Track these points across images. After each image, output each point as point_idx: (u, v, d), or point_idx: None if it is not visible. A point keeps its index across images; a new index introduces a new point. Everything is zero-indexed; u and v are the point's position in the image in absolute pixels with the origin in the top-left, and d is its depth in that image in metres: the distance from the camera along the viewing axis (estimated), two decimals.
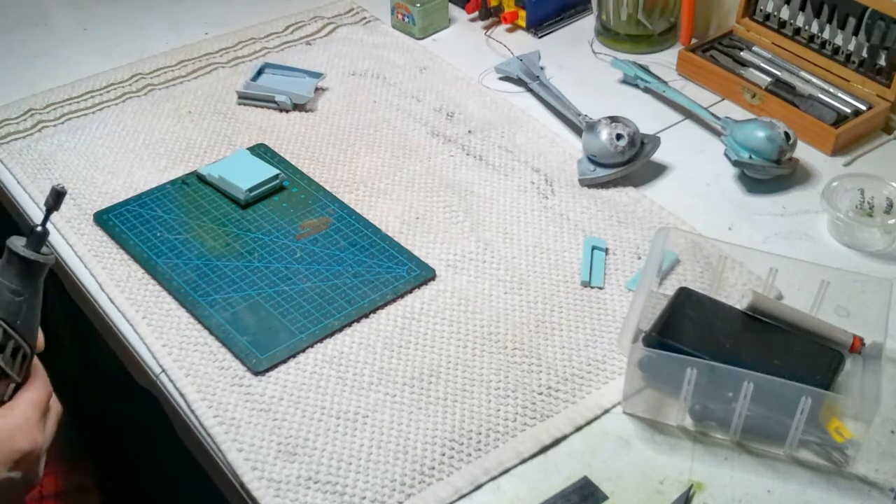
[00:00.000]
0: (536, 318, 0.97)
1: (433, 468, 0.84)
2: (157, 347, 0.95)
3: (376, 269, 1.02)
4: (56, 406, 0.74)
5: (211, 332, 0.96)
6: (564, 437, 0.86)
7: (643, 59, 1.36)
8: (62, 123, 1.26)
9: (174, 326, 0.97)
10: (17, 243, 0.70)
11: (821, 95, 1.23)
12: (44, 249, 0.71)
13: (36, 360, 0.74)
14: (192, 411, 0.89)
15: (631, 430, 0.87)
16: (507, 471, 0.84)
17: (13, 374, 0.70)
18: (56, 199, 0.72)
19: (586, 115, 1.22)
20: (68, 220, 1.10)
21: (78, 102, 1.30)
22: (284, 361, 0.93)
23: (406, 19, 1.44)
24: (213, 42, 1.43)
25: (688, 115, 1.26)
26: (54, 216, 1.11)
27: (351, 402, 0.89)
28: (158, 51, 1.41)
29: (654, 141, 1.16)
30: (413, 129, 1.25)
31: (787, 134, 1.12)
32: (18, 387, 0.71)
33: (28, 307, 0.71)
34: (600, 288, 1.01)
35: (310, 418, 0.88)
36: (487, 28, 1.47)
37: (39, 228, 0.71)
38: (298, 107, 1.29)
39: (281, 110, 1.28)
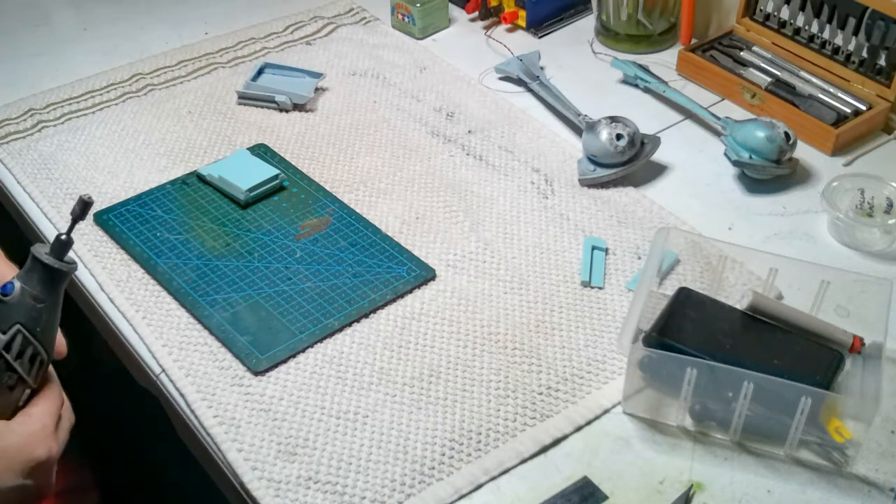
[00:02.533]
0: (536, 318, 0.97)
1: (433, 468, 0.84)
2: (157, 347, 0.95)
3: (376, 269, 1.02)
4: (68, 414, 0.74)
5: (211, 332, 0.96)
6: (564, 437, 0.86)
7: (643, 59, 1.36)
8: (62, 123, 1.26)
9: (174, 326, 0.97)
10: (41, 250, 0.71)
11: (821, 95, 1.23)
12: (66, 258, 0.72)
13: (50, 367, 0.74)
14: (192, 411, 0.89)
15: (631, 430, 0.87)
16: (507, 471, 0.84)
17: (30, 380, 0.71)
18: (83, 208, 0.73)
19: (586, 115, 1.22)
20: (68, 220, 1.10)
21: (78, 102, 1.30)
22: (284, 361, 0.93)
23: (406, 19, 1.44)
24: (213, 42, 1.43)
25: (688, 115, 1.26)
26: (55, 217, 1.11)
27: (351, 402, 0.89)
28: (158, 51, 1.41)
29: (654, 141, 1.16)
30: (413, 129, 1.25)
31: (787, 134, 1.12)
32: (33, 393, 0.72)
33: (48, 314, 0.72)
34: (600, 288, 1.01)
35: (310, 418, 0.88)
36: (487, 28, 1.47)
37: (64, 237, 0.72)
38: (298, 107, 1.29)
39: (281, 110, 1.28)
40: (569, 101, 1.26)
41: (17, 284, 0.72)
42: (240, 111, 1.28)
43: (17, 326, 0.71)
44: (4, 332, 0.71)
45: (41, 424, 0.69)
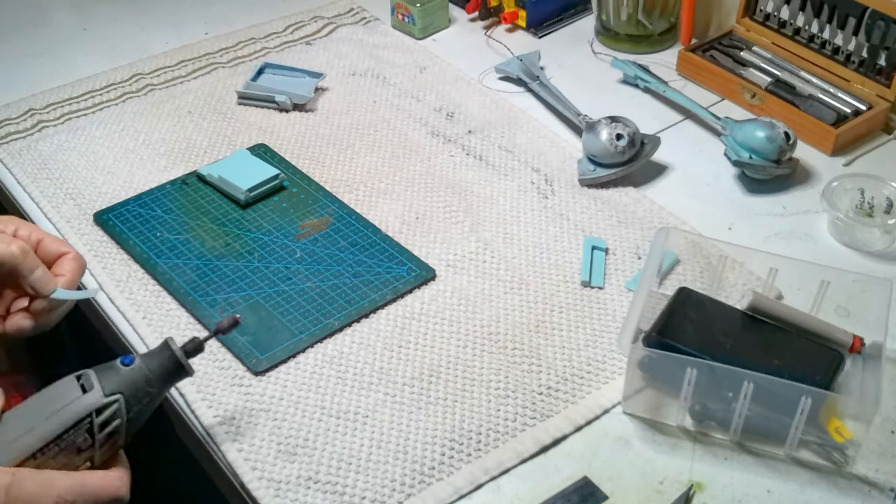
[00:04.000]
0: (536, 318, 0.97)
1: (433, 468, 0.84)
2: None
3: (376, 269, 1.02)
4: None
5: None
6: (564, 437, 0.86)
7: (643, 59, 1.36)
8: (62, 123, 1.26)
9: (174, 326, 0.97)
10: (175, 344, 0.76)
11: (821, 95, 1.23)
12: (189, 363, 0.76)
13: (125, 463, 0.75)
14: (192, 411, 0.89)
15: (631, 430, 0.87)
16: (507, 471, 0.84)
17: (97, 452, 0.72)
18: (231, 326, 0.79)
19: (586, 115, 1.22)
20: (68, 221, 1.10)
21: (78, 102, 1.30)
22: (284, 361, 0.93)
23: (406, 19, 1.44)
24: (213, 42, 1.43)
25: (688, 115, 1.26)
26: (55, 217, 1.11)
27: (351, 402, 0.89)
28: (158, 51, 1.41)
29: (654, 141, 1.16)
30: (413, 129, 1.25)
31: (787, 134, 1.12)
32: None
33: (147, 405, 0.75)
34: (600, 288, 1.01)
35: (310, 418, 0.88)
36: (487, 28, 1.47)
37: (201, 337, 0.77)
38: (298, 107, 1.29)
39: (281, 110, 1.28)
40: (569, 101, 1.26)
41: (138, 360, 0.74)
42: (240, 111, 1.28)
43: (119, 396, 0.72)
44: (105, 395, 0.72)
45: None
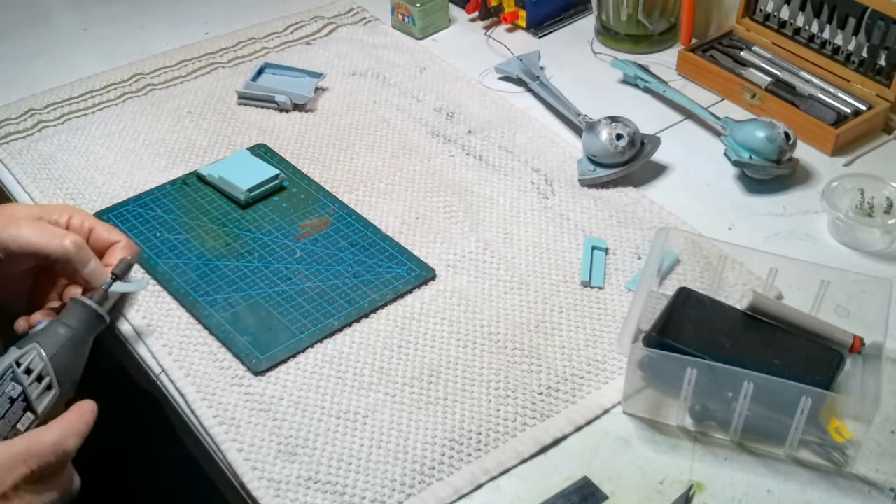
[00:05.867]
0: (536, 318, 0.97)
1: (433, 468, 0.84)
2: (157, 347, 0.95)
3: (376, 269, 1.02)
4: (69, 482, 0.76)
5: (211, 332, 0.96)
6: (564, 437, 0.86)
7: (643, 59, 1.36)
8: (62, 123, 1.26)
9: (174, 326, 0.97)
10: (82, 297, 0.84)
11: (821, 95, 1.23)
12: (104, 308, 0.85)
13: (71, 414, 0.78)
14: (192, 411, 0.89)
15: (631, 430, 0.87)
16: (507, 471, 0.84)
17: (32, 396, 0.77)
18: (125, 269, 0.87)
19: (586, 115, 1.22)
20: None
21: (78, 102, 1.30)
22: (284, 361, 0.93)
23: (406, 19, 1.44)
24: (213, 42, 1.43)
25: (688, 115, 1.26)
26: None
27: (351, 402, 0.89)
28: (158, 51, 1.41)
29: (654, 141, 1.16)
30: (413, 129, 1.25)
31: (787, 134, 1.12)
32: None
33: (72, 346, 0.81)
34: (600, 288, 1.01)
35: (310, 418, 0.88)
36: (487, 28, 1.47)
37: (104, 287, 0.85)
38: (298, 107, 1.29)
39: (281, 110, 1.28)
40: (569, 101, 1.26)
41: (48, 321, 0.81)
42: (240, 111, 1.28)
43: (34, 344, 0.78)
44: (19, 349, 0.78)
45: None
